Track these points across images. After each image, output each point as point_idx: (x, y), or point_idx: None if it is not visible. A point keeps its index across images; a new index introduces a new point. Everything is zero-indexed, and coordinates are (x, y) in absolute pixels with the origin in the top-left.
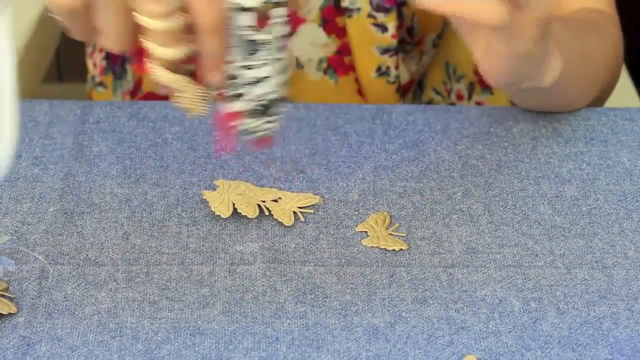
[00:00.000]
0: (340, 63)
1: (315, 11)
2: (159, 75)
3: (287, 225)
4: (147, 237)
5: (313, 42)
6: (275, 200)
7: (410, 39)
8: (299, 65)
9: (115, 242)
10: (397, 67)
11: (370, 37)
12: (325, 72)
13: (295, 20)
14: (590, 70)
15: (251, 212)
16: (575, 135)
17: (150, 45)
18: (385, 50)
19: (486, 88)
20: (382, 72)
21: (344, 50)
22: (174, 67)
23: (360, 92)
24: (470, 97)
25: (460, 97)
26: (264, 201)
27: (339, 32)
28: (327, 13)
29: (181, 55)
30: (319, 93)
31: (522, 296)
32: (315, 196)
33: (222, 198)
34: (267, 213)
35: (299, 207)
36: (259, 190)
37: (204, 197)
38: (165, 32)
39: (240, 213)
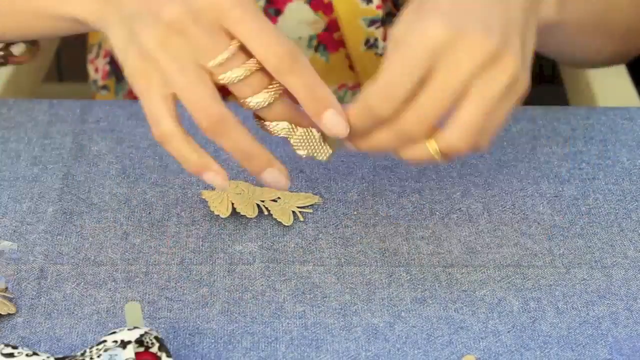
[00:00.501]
0: (329, 39)
1: None
2: (272, 128)
3: (286, 224)
4: (146, 237)
5: (301, 20)
6: (274, 200)
7: (396, 10)
8: None
9: (114, 242)
10: (384, 39)
11: (356, 9)
12: (316, 49)
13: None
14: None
15: (250, 212)
16: (574, 135)
17: (244, 102)
18: (372, 22)
19: None
20: (370, 44)
21: (332, 26)
22: (279, 112)
23: (351, 68)
24: None
25: None
26: (263, 201)
27: (326, 9)
28: None
29: (275, 95)
30: None
31: (521, 296)
32: (315, 196)
33: (221, 198)
34: (266, 213)
35: (298, 207)
36: (258, 190)
37: (203, 197)
38: (244, 79)
39: (240, 213)
